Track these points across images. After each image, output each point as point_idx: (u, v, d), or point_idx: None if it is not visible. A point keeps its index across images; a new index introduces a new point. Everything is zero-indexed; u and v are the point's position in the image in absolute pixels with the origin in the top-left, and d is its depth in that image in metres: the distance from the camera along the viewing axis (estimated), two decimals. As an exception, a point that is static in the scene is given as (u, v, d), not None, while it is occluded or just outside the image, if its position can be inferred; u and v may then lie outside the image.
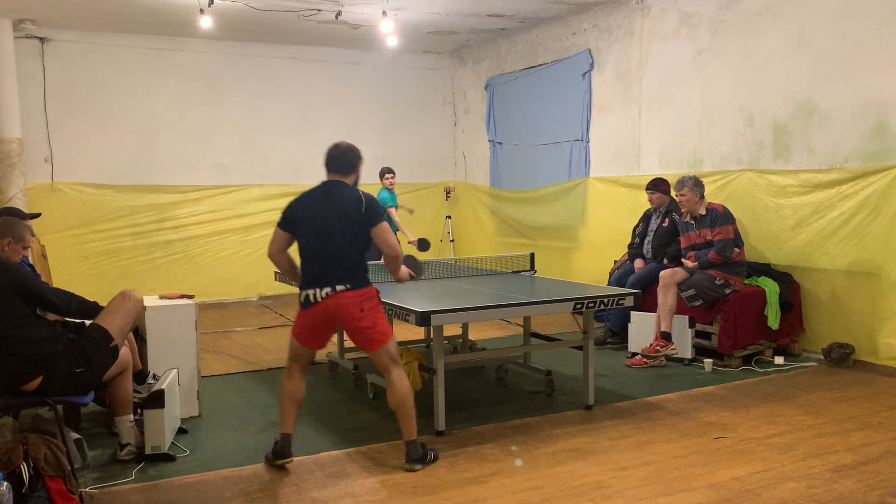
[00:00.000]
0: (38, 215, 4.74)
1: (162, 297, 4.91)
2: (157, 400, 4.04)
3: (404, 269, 4.05)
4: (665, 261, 6.56)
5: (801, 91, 6.27)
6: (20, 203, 8.13)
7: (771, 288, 6.16)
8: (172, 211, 9.53)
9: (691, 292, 6.07)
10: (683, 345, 6.08)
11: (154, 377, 4.54)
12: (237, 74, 9.86)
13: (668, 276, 6.12)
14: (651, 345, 6.06)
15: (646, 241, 6.89)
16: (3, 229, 3.83)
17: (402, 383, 3.90)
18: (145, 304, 4.35)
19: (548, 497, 3.53)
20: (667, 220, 6.71)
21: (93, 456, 4.06)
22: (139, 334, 4.66)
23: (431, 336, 5.35)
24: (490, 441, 4.28)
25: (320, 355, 6.35)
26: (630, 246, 7.07)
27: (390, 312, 4.46)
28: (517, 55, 9.76)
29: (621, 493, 3.55)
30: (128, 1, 7.69)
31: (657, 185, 6.78)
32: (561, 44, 8.99)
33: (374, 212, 3.87)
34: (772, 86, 6.49)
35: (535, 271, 6.13)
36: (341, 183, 3.95)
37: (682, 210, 6.30)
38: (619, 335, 6.67)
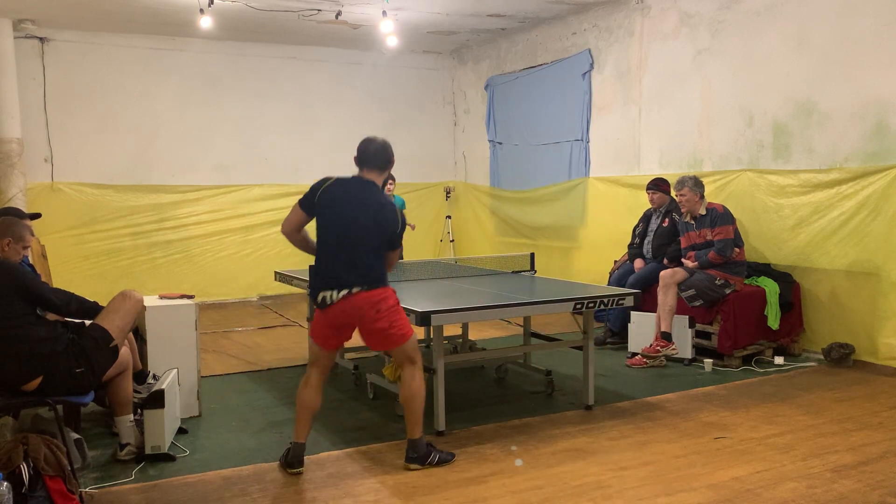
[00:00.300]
0: (38, 216, 4.74)
1: (162, 297, 4.91)
2: (157, 400, 4.04)
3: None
4: (665, 261, 6.56)
5: (800, 91, 6.27)
6: (20, 203, 8.12)
7: (771, 288, 6.16)
8: (172, 211, 9.53)
9: (691, 292, 6.07)
10: (683, 345, 6.08)
11: (154, 377, 4.54)
12: (237, 74, 9.86)
13: (668, 276, 6.12)
14: (651, 345, 6.06)
15: (646, 241, 6.89)
16: (2, 229, 3.83)
17: (414, 382, 3.88)
18: (145, 304, 4.34)
19: (548, 497, 3.53)
20: (667, 220, 6.71)
21: (93, 456, 4.06)
22: (139, 334, 4.66)
23: (431, 336, 5.35)
24: (490, 441, 4.28)
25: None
26: (630, 246, 7.08)
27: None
28: (517, 55, 9.76)
29: (621, 493, 3.56)
30: (128, 1, 7.69)
31: (658, 185, 6.79)
32: (561, 44, 8.99)
33: (401, 235, 3.87)
34: (772, 86, 6.49)
35: (535, 271, 6.12)
36: (375, 185, 3.82)
37: (682, 210, 6.30)
38: (619, 335, 6.67)
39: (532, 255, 6.22)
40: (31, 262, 4.89)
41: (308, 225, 3.92)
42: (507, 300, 4.63)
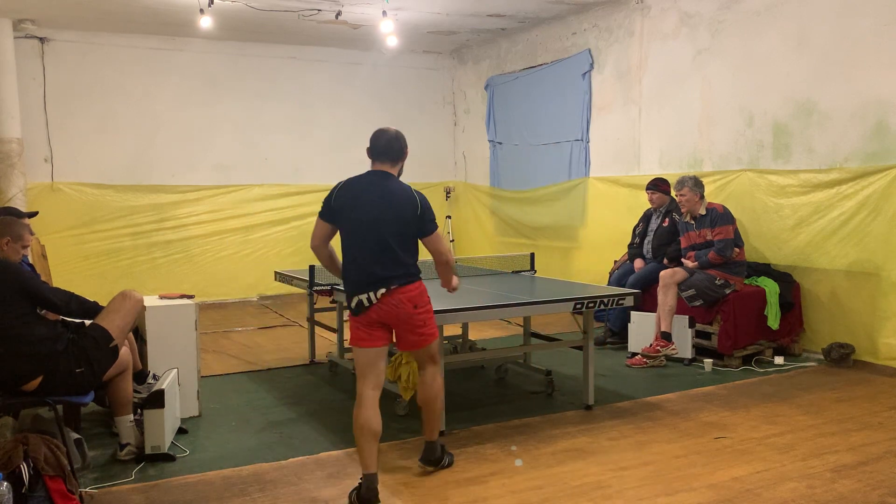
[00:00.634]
0: (35, 214, 4.73)
1: (162, 297, 4.91)
2: (157, 400, 4.03)
3: (455, 278, 3.87)
4: (665, 261, 6.56)
5: (800, 91, 6.27)
6: (20, 203, 8.13)
7: (771, 288, 6.16)
8: (172, 211, 9.53)
9: (691, 292, 6.07)
10: (683, 345, 6.08)
11: (154, 377, 4.54)
12: (237, 74, 9.86)
13: (668, 276, 6.12)
14: (651, 345, 6.06)
15: (646, 241, 6.89)
16: (1, 228, 3.83)
17: (435, 382, 3.78)
18: (145, 304, 4.34)
19: (548, 497, 3.53)
20: (667, 220, 6.71)
21: (93, 456, 4.06)
22: (139, 334, 4.66)
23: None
24: (490, 441, 4.28)
25: (320, 356, 6.38)
26: (630, 246, 7.07)
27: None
28: (517, 55, 9.76)
29: (621, 493, 3.55)
30: (128, 1, 7.69)
31: (657, 185, 6.79)
32: (561, 44, 8.99)
33: (430, 218, 3.62)
34: (772, 86, 6.49)
35: (535, 271, 6.13)
36: (390, 175, 3.64)
37: (682, 210, 6.30)
38: (619, 335, 6.67)
39: (532, 255, 6.22)
40: (30, 262, 4.89)
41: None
42: (507, 300, 4.63)
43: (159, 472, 3.88)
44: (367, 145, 3.70)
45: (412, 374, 4.73)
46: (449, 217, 10.86)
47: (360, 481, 3.49)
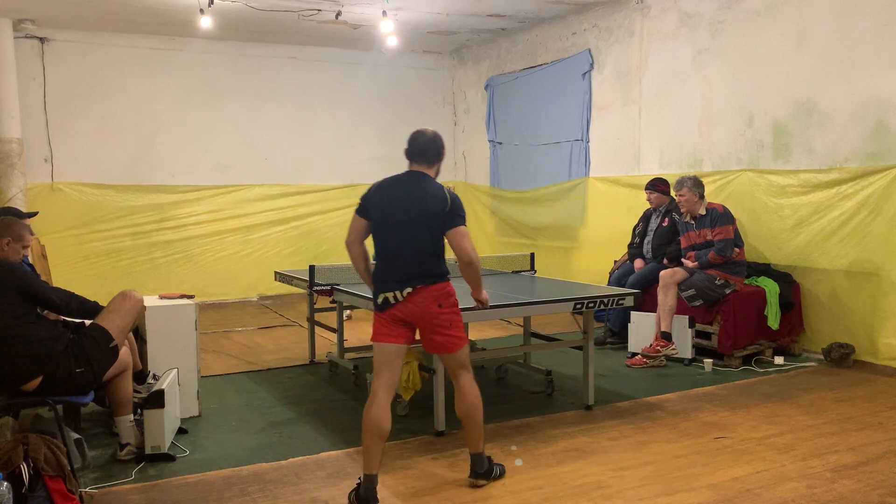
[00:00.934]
0: (35, 214, 4.73)
1: (162, 297, 4.91)
2: (157, 400, 4.04)
3: (485, 292, 3.83)
4: (665, 261, 6.56)
5: (800, 91, 6.27)
6: (20, 203, 8.12)
7: (771, 288, 6.16)
8: (172, 211, 9.53)
9: (691, 292, 6.07)
10: (683, 345, 6.08)
11: (154, 377, 4.54)
12: (237, 74, 9.86)
13: (668, 276, 6.12)
14: (651, 345, 6.06)
15: (646, 241, 6.89)
16: (2, 229, 3.83)
17: (472, 391, 3.65)
18: (145, 304, 4.34)
19: (548, 497, 3.53)
20: (666, 219, 6.71)
21: (93, 456, 4.06)
22: (139, 334, 4.66)
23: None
24: (490, 441, 4.27)
25: (320, 356, 6.38)
26: (630, 246, 7.07)
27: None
28: (517, 55, 9.76)
29: (621, 493, 3.55)
30: (128, 1, 7.68)
31: (655, 185, 6.79)
32: (561, 44, 8.99)
33: (457, 213, 3.59)
34: (772, 86, 6.49)
35: (535, 271, 6.13)
36: (426, 175, 3.66)
37: (682, 210, 6.30)
38: (619, 335, 6.67)
39: (532, 255, 6.22)
40: (30, 262, 4.89)
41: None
42: (507, 300, 4.63)
43: (159, 472, 3.89)
44: (406, 146, 3.72)
45: (412, 374, 4.73)
46: (449, 217, 10.85)
47: (359, 481, 3.48)
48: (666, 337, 6.05)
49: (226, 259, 9.80)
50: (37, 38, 8.78)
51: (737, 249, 6.12)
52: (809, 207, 6.21)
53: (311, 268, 5.57)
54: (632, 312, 6.30)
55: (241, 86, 9.89)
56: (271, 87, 10.05)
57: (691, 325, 6.08)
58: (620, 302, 4.82)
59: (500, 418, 4.69)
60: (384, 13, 7.81)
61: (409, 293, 3.53)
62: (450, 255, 3.67)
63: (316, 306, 6.28)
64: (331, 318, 6.32)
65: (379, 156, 10.55)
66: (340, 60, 10.38)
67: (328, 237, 10.22)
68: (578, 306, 4.62)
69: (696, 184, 6.19)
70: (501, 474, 3.76)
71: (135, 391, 4.28)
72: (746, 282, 6.25)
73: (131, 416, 4.11)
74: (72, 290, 4.00)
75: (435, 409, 4.41)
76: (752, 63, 6.66)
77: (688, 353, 6.07)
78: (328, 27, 8.91)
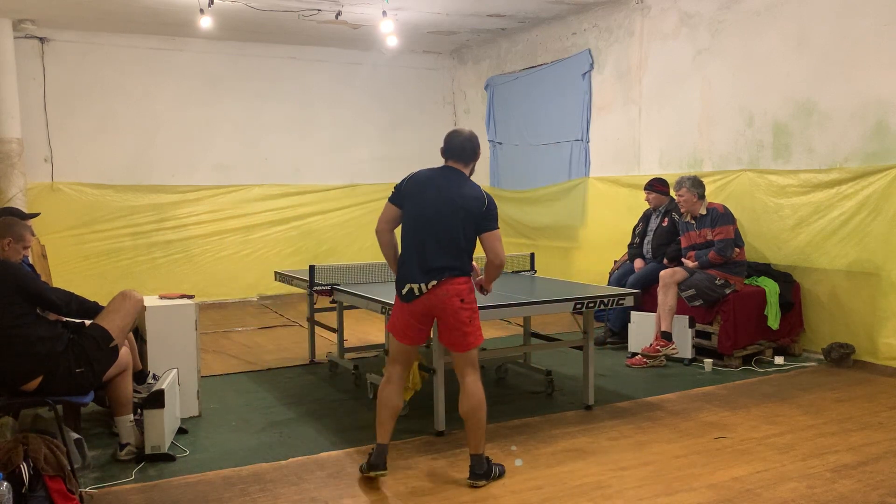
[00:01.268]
0: (37, 215, 4.73)
1: (162, 297, 4.91)
2: (157, 400, 4.04)
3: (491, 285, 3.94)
4: (665, 261, 6.56)
5: (801, 91, 6.27)
6: (20, 203, 8.12)
7: (771, 288, 6.16)
8: (172, 211, 9.53)
9: (691, 292, 6.07)
10: (683, 345, 6.08)
11: (154, 377, 4.54)
12: (237, 74, 9.86)
13: (668, 276, 6.12)
14: (651, 345, 6.06)
15: (645, 241, 6.89)
16: (3, 229, 3.83)
17: (477, 391, 3.70)
18: (145, 304, 4.34)
19: (548, 497, 3.53)
20: (666, 219, 6.71)
21: (93, 456, 4.06)
22: (139, 334, 4.66)
23: (431, 336, 5.34)
24: (490, 441, 4.27)
25: (320, 356, 6.38)
26: (630, 246, 7.08)
27: (390, 312, 4.45)
28: (517, 55, 9.76)
29: (621, 493, 3.56)
30: (128, 1, 7.68)
31: (653, 186, 6.79)
32: (561, 44, 8.99)
33: (493, 215, 3.71)
34: (772, 86, 6.49)
35: (535, 271, 6.13)
36: (463, 174, 3.77)
37: (682, 210, 6.30)
38: (619, 335, 6.67)
39: (532, 255, 6.22)
40: (30, 262, 4.89)
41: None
42: (507, 300, 4.63)
43: (159, 472, 3.88)
44: (442, 146, 3.82)
45: (412, 374, 4.72)
46: (449, 217, 10.85)
47: (372, 450, 3.75)
48: (666, 337, 6.05)
49: (226, 259, 9.80)
50: (37, 38, 8.78)
51: (737, 249, 6.12)
52: (809, 207, 6.21)
53: (311, 268, 5.58)
54: (632, 312, 6.30)
55: (241, 86, 9.89)
56: (271, 87, 10.05)
57: (691, 325, 6.08)
58: (620, 302, 4.82)
59: (500, 418, 4.69)
60: (384, 13, 7.81)
61: (433, 286, 3.63)
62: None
63: (316, 306, 6.28)
64: (331, 318, 6.32)
65: (379, 156, 10.56)
66: (340, 60, 10.38)
67: (328, 237, 10.22)
68: (578, 306, 4.62)
69: (695, 184, 6.18)
70: (501, 474, 3.76)
71: (135, 391, 4.28)
72: (746, 282, 6.25)
73: (131, 416, 4.11)
74: (72, 291, 4.00)
75: (435, 409, 4.41)
76: (752, 63, 6.67)
77: (688, 353, 6.07)
78: (328, 27, 8.91)
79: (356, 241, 10.21)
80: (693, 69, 7.25)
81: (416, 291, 3.65)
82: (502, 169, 10.16)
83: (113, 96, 9.22)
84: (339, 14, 8.19)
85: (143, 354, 4.62)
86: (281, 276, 6.45)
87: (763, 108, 6.58)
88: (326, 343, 6.79)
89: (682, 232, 6.38)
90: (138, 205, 9.35)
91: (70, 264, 8.90)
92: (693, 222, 6.25)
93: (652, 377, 5.73)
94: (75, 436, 3.87)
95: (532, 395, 5.26)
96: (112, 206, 9.21)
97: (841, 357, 5.87)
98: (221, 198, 9.80)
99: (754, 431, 4.39)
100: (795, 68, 6.30)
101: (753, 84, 6.66)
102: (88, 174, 9.11)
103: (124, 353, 4.05)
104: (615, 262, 7.32)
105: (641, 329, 6.27)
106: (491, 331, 7.42)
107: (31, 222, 4.30)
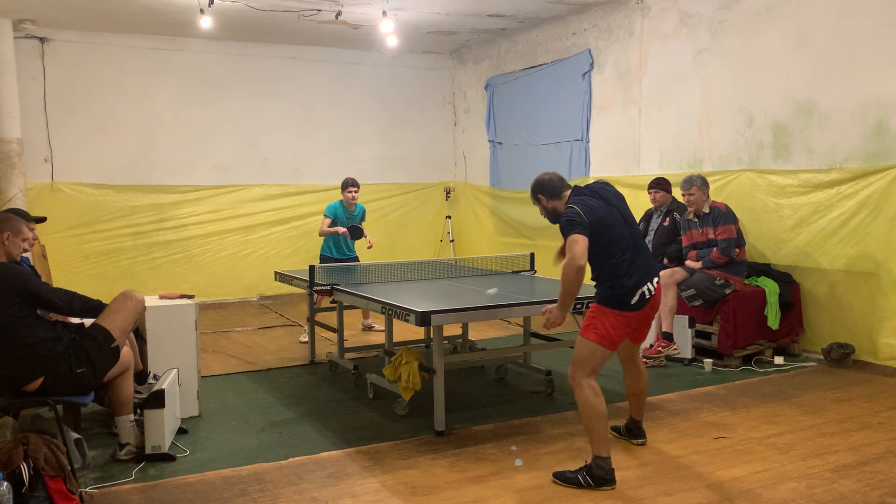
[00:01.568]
0: (44, 219, 4.61)
1: (162, 297, 4.91)
2: (157, 400, 4.04)
3: None
4: (665, 260, 6.56)
5: (801, 91, 6.27)
6: (20, 203, 8.13)
7: (771, 288, 6.16)
8: (172, 211, 9.53)
9: (691, 292, 6.07)
10: (683, 345, 6.08)
11: (154, 377, 4.54)
12: (237, 74, 9.86)
13: (668, 276, 6.12)
14: (653, 345, 6.06)
15: (646, 241, 6.88)
16: (0, 224, 3.83)
17: (645, 370, 4.22)
18: (146, 304, 4.34)
19: (548, 497, 3.53)
20: (667, 219, 6.70)
21: (93, 456, 4.06)
22: (139, 334, 4.66)
23: (431, 336, 5.35)
24: (490, 441, 4.28)
25: (320, 356, 6.38)
26: (630, 246, 7.06)
27: (390, 312, 4.46)
28: (517, 55, 9.76)
29: (621, 493, 3.55)
30: (128, 1, 7.69)
31: (660, 184, 6.77)
32: (561, 44, 8.99)
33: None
34: (772, 86, 6.49)
35: (535, 271, 6.13)
36: (608, 183, 4.18)
37: (689, 209, 6.29)
38: (619, 335, 6.66)
39: (532, 255, 6.22)
40: (31, 262, 4.88)
41: None
42: (507, 300, 4.63)
43: (159, 472, 3.89)
44: (550, 189, 4.02)
45: (412, 374, 4.73)
46: (449, 217, 10.86)
47: (597, 463, 3.62)
48: (667, 337, 6.05)
49: (226, 259, 9.80)
50: (37, 38, 8.78)
51: (737, 249, 6.12)
52: (809, 207, 6.21)
53: (311, 268, 5.58)
54: (632, 312, 6.29)
55: (241, 86, 9.89)
56: (271, 87, 10.05)
57: (691, 325, 6.08)
58: (620, 302, 4.81)
59: (500, 418, 4.69)
60: (384, 13, 7.81)
61: (657, 282, 3.88)
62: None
63: (316, 306, 6.27)
64: (331, 318, 6.32)
65: (379, 156, 10.57)
66: (340, 60, 10.38)
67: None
68: (578, 306, 4.62)
69: (705, 183, 6.20)
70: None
71: (135, 391, 4.28)
72: (746, 282, 6.25)
73: (131, 416, 4.11)
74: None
75: (435, 409, 4.41)
76: (752, 63, 6.66)
77: (688, 353, 6.07)
78: (328, 27, 8.92)
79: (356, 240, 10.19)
80: (693, 69, 7.25)
81: (647, 294, 3.79)
82: (502, 169, 10.16)
83: (113, 96, 9.22)
84: (339, 14, 8.19)
85: (143, 354, 4.62)
86: (281, 276, 6.45)
87: (763, 108, 6.58)
88: (326, 343, 6.79)
89: (684, 230, 6.37)
90: (138, 205, 9.35)
91: (70, 264, 8.90)
92: (696, 220, 6.25)
93: (652, 377, 5.69)
94: (75, 436, 3.87)
95: (532, 395, 5.26)
96: (112, 206, 9.22)
97: (841, 357, 5.87)
98: (221, 198, 9.80)
99: (754, 431, 4.39)
100: (795, 68, 6.30)
101: (753, 84, 6.66)
102: (88, 174, 9.11)
103: (126, 353, 4.05)
104: (615, 262, 7.30)
105: (641, 329, 6.26)
106: (491, 331, 7.43)
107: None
